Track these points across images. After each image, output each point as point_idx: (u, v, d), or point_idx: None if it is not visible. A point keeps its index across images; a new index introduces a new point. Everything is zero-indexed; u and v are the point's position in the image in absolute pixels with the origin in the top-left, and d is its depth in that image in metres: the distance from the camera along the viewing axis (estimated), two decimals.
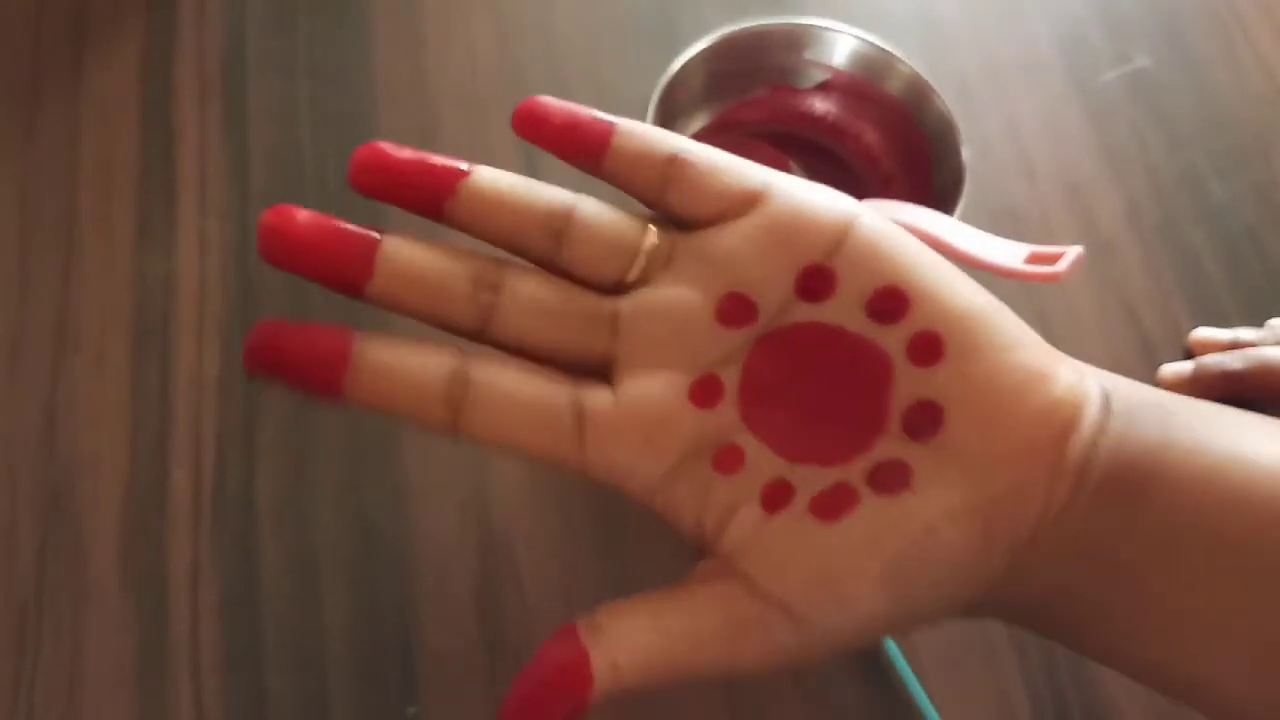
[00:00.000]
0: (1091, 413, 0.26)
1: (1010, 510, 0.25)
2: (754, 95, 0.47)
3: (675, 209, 0.27)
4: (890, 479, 0.26)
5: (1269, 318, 0.47)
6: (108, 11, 0.51)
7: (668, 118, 0.44)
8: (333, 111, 0.50)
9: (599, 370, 0.27)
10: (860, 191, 0.46)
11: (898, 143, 0.46)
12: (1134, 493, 0.25)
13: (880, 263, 0.26)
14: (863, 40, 0.45)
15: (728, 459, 0.26)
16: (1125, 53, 0.53)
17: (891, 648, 0.39)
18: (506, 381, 0.26)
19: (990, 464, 0.25)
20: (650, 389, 0.26)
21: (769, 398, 0.27)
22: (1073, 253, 0.36)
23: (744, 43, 0.45)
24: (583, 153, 0.27)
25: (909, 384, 0.26)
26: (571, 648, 0.25)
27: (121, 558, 0.40)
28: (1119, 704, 0.40)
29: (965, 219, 0.40)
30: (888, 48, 0.45)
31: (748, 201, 0.27)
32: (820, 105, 0.47)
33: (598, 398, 0.26)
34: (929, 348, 0.26)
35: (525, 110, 0.28)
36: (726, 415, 0.27)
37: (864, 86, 0.46)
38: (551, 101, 0.28)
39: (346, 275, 0.26)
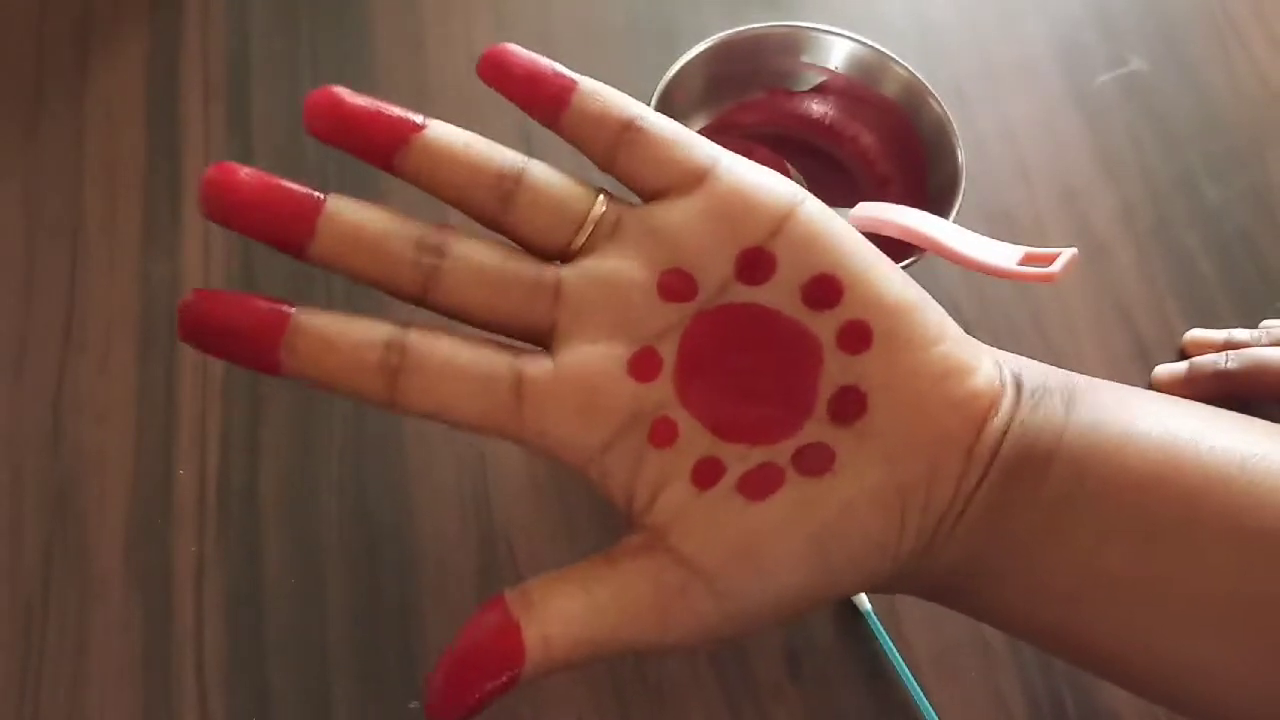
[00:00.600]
0: (1005, 403, 0.27)
1: (925, 493, 0.27)
2: (751, 98, 0.47)
3: (624, 175, 0.28)
4: (815, 461, 0.27)
5: (1263, 319, 0.47)
6: (111, 12, 0.52)
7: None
8: None
9: (540, 339, 0.27)
10: (857, 193, 0.46)
11: (894, 145, 0.46)
12: (1035, 468, 0.27)
13: (818, 250, 0.27)
14: (859, 43, 0.45)
15: (662, 432, 0.27)
16: (1120, 55, 0.54)
17: (891, 648, 0.40)
18: (443, 349, 0.26)
19: (908, 449, 0.27)
20: (589, 358, 0.27)
21: (704, 374, 0.27)
22: (1067, 254, 0.36)
23: (742, 46, 0.45)
24: (542, 104, 0.28)
25: (837, 370, 0.27)
26: (502, 620, 0.26)
27: (126, 555, 0.41)
28: (1115, 704, 0.40)
29: (961, 221, 0.41)
30: (884, 50, 0.45)
31: (695, 177, 0.27)
32: (817, 108, 0.47)
33: (537, 365, 0.27)
34: (858, 336, 0.27)
35: (492, 56, 0.28)
36: (663, 389, 0.27)
37: (860, 89, 0.46)
38: (518, 51, 0.28)
39: (288, 234, 0.26)
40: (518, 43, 0.51)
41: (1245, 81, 0.54)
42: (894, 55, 0.45)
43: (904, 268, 0.40)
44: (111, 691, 0.39)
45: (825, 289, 0.27)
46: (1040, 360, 0.45)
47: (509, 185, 0.27)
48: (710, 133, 0.47)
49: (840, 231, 0.27)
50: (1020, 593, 0.28)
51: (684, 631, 0.26)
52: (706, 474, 0.27)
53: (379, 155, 0.27)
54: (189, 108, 0.49)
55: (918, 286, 0.28)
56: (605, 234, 0.28)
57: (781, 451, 0.27)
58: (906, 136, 0.45)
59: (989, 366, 0.28)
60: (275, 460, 0.42)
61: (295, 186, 0.26)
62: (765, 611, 0.27)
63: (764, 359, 0.27)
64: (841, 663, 0.40)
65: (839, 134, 0.47)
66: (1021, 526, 0.27)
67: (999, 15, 0.55)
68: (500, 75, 0.28)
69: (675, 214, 0.27)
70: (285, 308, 0.26)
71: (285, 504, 0.42)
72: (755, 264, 0.27)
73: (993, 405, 0.27)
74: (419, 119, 0.27)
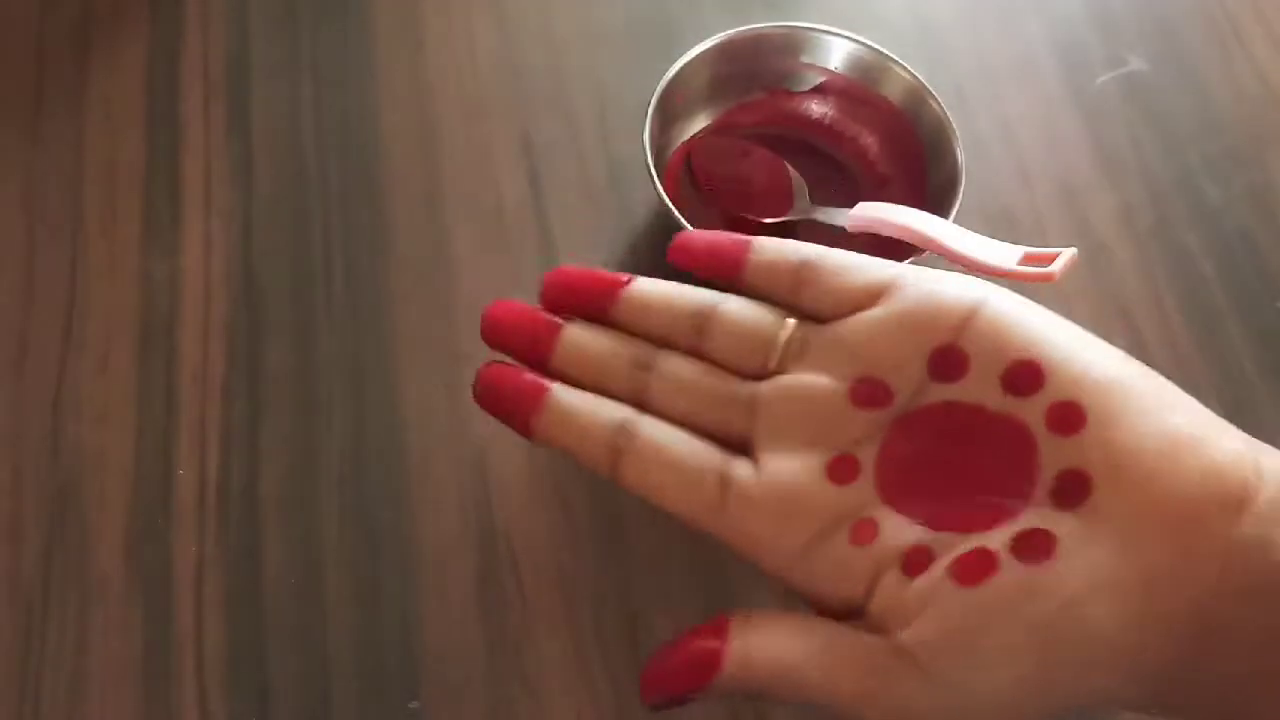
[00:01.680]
0: (1271, 489, 0.24)
1: (1169, 584, 0.24)
2: (751, 98, 0.47)
3: (809, 308, 0.30)
4: (1033, 547, 0.25)
5: (1262, 320, 0.47)
6: (111, 13, 0.52)
7: (666, 120, 0.45)
8: (335, 112, 0.50)
9: (743, 449, 0.29)
10: (856, 193, 0.46)
11: (893, 145, 0.46)
12: None
13: (1010, 338, 0.27)
14: (859, 44, 0.45)
15: (863, 531, 0.27)
16: (1120, 56, 0.54)
17: None
18: (664, 438, 0.29)
19: (1144, 533, 0.24)
20: (787, 468, 0.28)
21: (907, 474, 0.28)
22: (1067, 254, 0.36)
23: (742, 46, 0.45)
24: (724, 270, 0.31)
25: (1053, 454, 0.26)
26: (717, 633, 0.27)
27: (127, 556, 0.41)
28: (1118, 711, 0.40)
29: (960, 221, 0.41)
30: (884, 51, 0.45)
31: (877, 293, 0.29)
32: (817, 108, 0.47)
33: (742, 469, 0.28)
34: (1068, 416, 0.26)
35: (677, 246, 0.32)
36: (863, 491, 0.28)
37: (860, 90, 0.46)
38: (696, 234, 0.32)
39: (535, 353, 0.31)
40: (518, 46, 0.52)
41: (1245, 81, 0.54)
42: (894, 56, 0.45)
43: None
44: (111, 691, 0.39)
45: (1025, 374, 0.26)
46: None
47: (703, 319, 0.30)
48: (711, 133, 0.47)
49: (1033, 318, 0.27)
50: None
51: (886, 712, 0.26)
52: (916, 561, 0.26)
53: (597, 312, 0.31)
54: (189, 108, 0.49)
55: (1139, 363, 0.27)
56: (796, 354, 0.29)
57: (998, 538, 0.26)
58: (906, 137, 0.45)
59: (1237, 444, 0.25)
60: (275, 460, 0.43)
61: (544, 316, 0.32)
62: (980, 709, 0.25)
63: (972, 451, 0.27)
64: None
65: (839, 134, 0.47)
66: None
67: (998, 15, 0.55)
68: (687, 257, 0.32)
69: (860, 326, 0.29)
70: (545, 383, 0.30)
71: (285, 504, 0.42)
72: (948, 362, 0.27)
73: (1245, 486, 0.24)
74: (625, 278, 0.31)
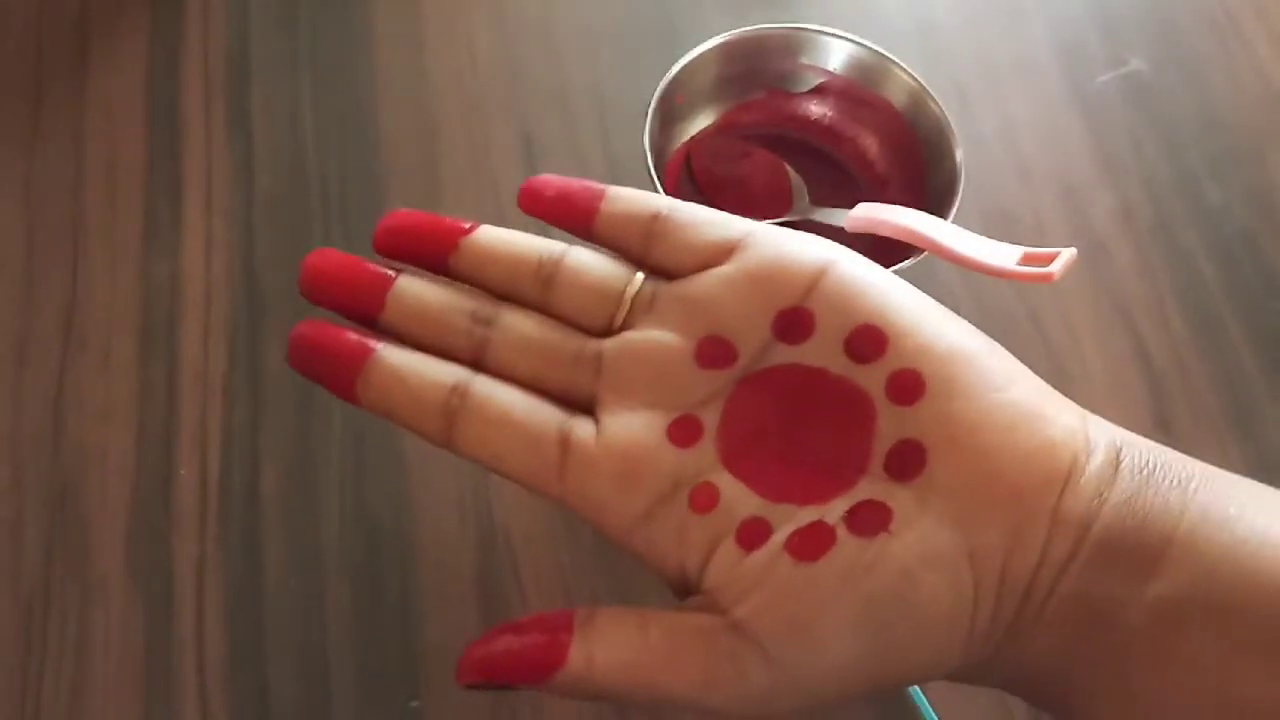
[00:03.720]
0: (1096, 462, 0.25)
1: (1001, 559, 0.24)
2: (751, 99, 0.47)
3: (659, 263, 0.28)
4: (868, 520, 0.25)
5: (1263, 320, 0.47)
6: (111, 12, 0.52)
7: (666, 121, 0.45)
8: (335, 112, 0.50)
9: (585, 408, 0.28)
10: (855, 194, 0.46)
11: (893, 146, 0.46)
12: (1145, 557, 0.24)
13: (857, 302, 0.26)
14: (859, 44, 0.45)
15: (703, 497, 0.26)
16: (1120, 55, 0.54)
17: None
18: (501, 399, 0.27)
19: (977, 507, 0.24)
20: (629, 426, 0.27)
21: (749, 438, 0.27)
22: (1066, 254, 0.36)
23: (742, 47, 0.45)
24: (574, 219, 0.29)
25: (891, 424, 0.26)
26: (563, 624, 0.26)
27: (127, 555, 0.41)
28: None
29: (960, 221, 0.41)
30: (883, 52, 0.45)
31: (725, 250, 0.28)
32: (816, 109, 0.47)
33: (583, 429, 0.27)
34: (909, 386, 0.26)
35: (526, 189, 0.30)
36: (704, 455, 0.27)
37: (859, 90, 0.46)
38: (549, 178, 0.30)
39: (362, 308, 0.29)
40: (518, 46, 0.52)
41: (1246, 81, 0.53)
42: (893, 57, 0.45)
43: (903, 268, 0.40)
44: (112, 691, 0.39)
45: (868, 340, 0.26)
46: (1040, 360, 0.45)
47: (549, 270, 0.28)
48: (711, 133, 0.47)
49: (880, 282, 0.27)
50: (1123, 708, 0.25)
51: (729, 697, 0.25)
52: (752, 535, 0.26)
53: (435, 260, 0.29)
54: (189, 107, 0.49)
55: (983, 336, 0.27)
56: (644, 309, 0.28)
57: (833, 510, 0.25)
58: (905, 137, 0.45)
59: (1070, 419, 0.26)
60: (276, 460, 0.43)
61: (371, 265, 0.29)
62: (819, 685, 0.25)
63: (813, 417, 0.27)
64: None
65: (838, 135, 0.47)
66: (1128, 624, 0.24)
67: (999, 15, 0.55)
68: (536, 202, 0.30)
69: (708, 283, 0.27)
70: (372, 343, 0.28)
71: (286, 504, 0.42)
72: (793, 323, 0.27)
73: (1075, 461, 0.25)
74: (467, 224, 0.29)
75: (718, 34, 0.45)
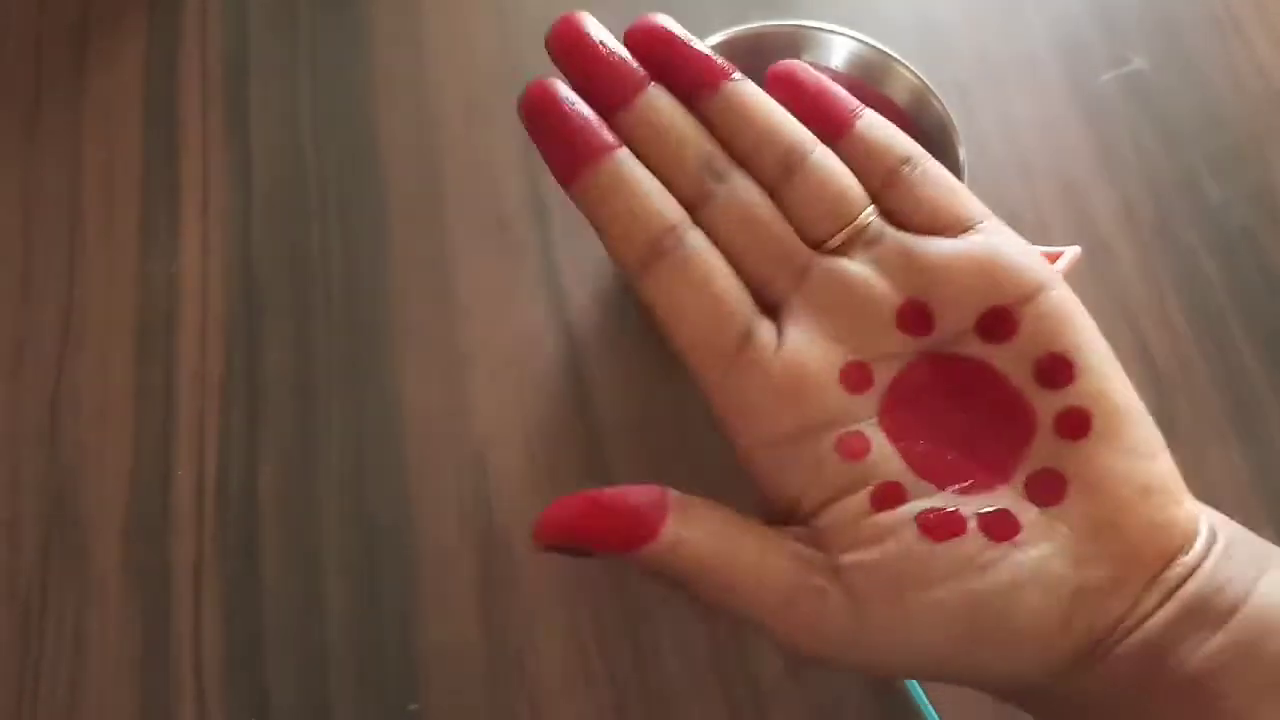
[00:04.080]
0: (1200, 543, 0.26)
1: (1096, 604, 0.25)
2: None
3: (891, 208, 0.28)
4: (1000, 526, 0.26)
5: (1265, 319, 0.47)
6: (109, 13, 0.51)
7: None
8: (334, 112, 0.50)
9: (770, 309, 0.27)
10: None
11: None
12: (1214, 617, 0.25)
13: (1063, 329, 0.27)
14: (860, 42, 0.45)
15: (852, 445, 0.26)
16: (1122, 54, 0.54)
17: None
18: (712, 264, 0.27)
19: (1096, 552, 0.26)
20: (809, 352, 0.27)
21: (913, 409, 0.27)
22: (1070, 253, 0.36)
23: (743, 45, 0.45)
24: (827, 123, 0.28)
25: (1046, 449, 0.27)
26: (659, 500, 0.26)
27: (124, 556, 0.41)
28: None
29: None
30: (885, 49, 0.45)
31: (963, 226, 0.28)
32: None
33: (767, 333, 0.27)
34: (1077, 423, 0.26)
35: (784, 74, 0.29)
36: (866, 406, 0.27)
37: (861, 89, 0.46)
38: (810, 71, 0.29)
39: (609, 96, 0.27)
40: (518, 42, 0.52)
41: (1248, 79, 0.53)
42: (895, 54, 0.45)
43: None
44: (109, 692, 0.38)
45: (1058, 369, 0.27)
46: None
47: (795, 160, 0.27)
48: None
49: (1086, 322, 0.27)
50: None
51: (799, 630, 0.25)
52: (887, 497, 0.26)
53: (691, 90, 0.28)
54: (187, 108, 0.49)
55: (1139, 401, 0.27)
56: (865, 243, 0.27)
57: (969, 505, 0.26)
58: (908, 135, 0.45)
59: (1191, 504, 0.27)
60: (274, 460, 0.42)
61: (634, 63, 0.27)
62: (891, 655, 0.26)
63: (979, 416, 0.27)
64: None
65: None
66: (1182, 671, 0.25)
67: (1000, 14, 0.55)
68: (791, 90, 0.29)
69: (936, 249, 0.27)
70: (615, 141, 0.27)
71: (284, 504, 0.42)
72: (999, 323, 0.27)
73: (1186, 540, 0.26)
74: (732, 70, 0.28)
75: (718, 32, 0.45)
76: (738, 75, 0.28)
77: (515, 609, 0.40)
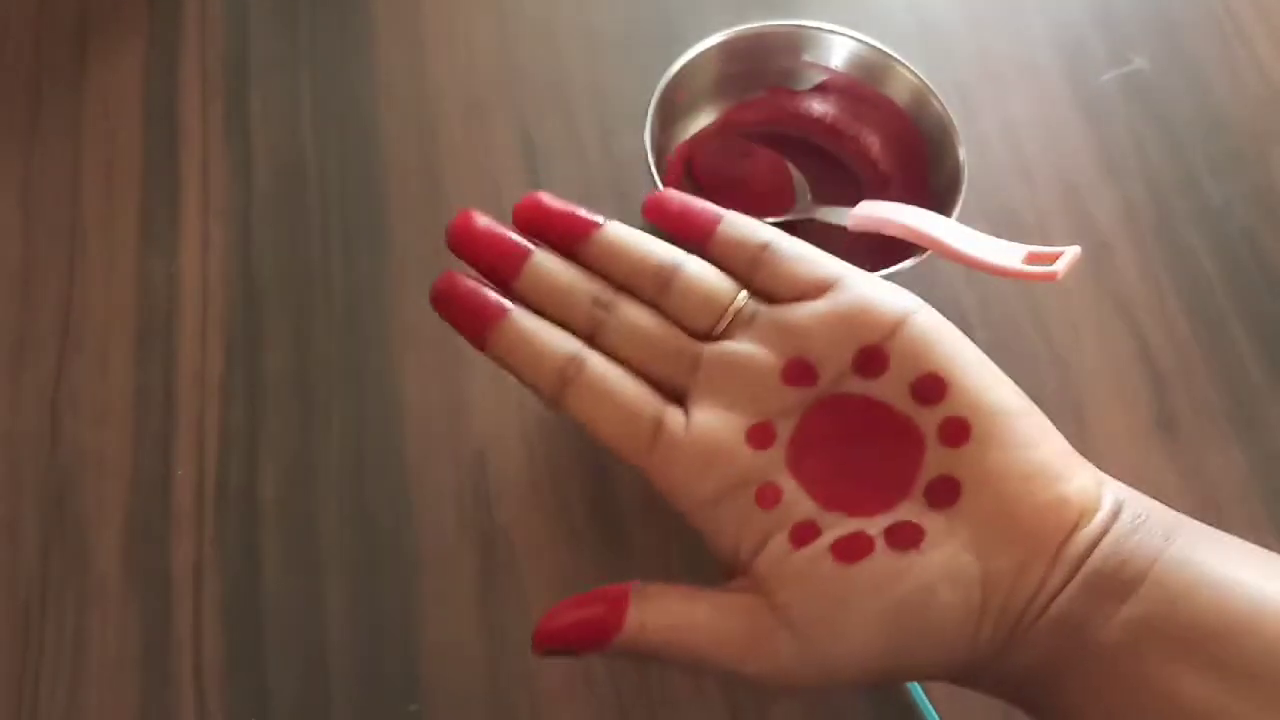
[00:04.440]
0: (1100, 516, 0.29)
1: (1006, 587, 0.28)
2: (753, 97, 0.47)
3: (760, 288, 0.32)
4: (904, 537, 0.29)
5: (1265, 319, 0.47)
6: (110, 12, 0.51)
7: (667, 119, 0.44)
8: (334, 112, 0.50)
9: (678, 399, 0.32)
10: (858, 193, 0.46)
11: (895, 144, 0.46)
12: (1122, 587, 0.28)
13: (929, 351, 0.30)
14: (861, 42, 0.45)
15: (768, 495, 0.30)
16: (1122, 54, 0.54)
17: None
18: (611, 376, 0.31)
19: (995, 541, 0.29)
20: (715, 424, 0.31)
21: (814, 451, 0.31)
22: (1070, 253, 0.36)
23: (743, 45, 0.45)
24: (693, 235, 0.33)
25: (936, 460, 0.30)
26: (620, 597, 0.30)
27: (124, 556, 0.41)
28: None
29: (963, 220, 0.41)
30: (886, 49, 0.45)
31: (822, 287, 0.31)
32: (818, 107, 0.47)
33: (675, 418, 0.31)
34: (958, 431, 0.30)
35: (652, 202, 0.34)
36: (774, 458, 0.31)
37: (862, 88, 0.46)
38: (672, 194, 0.33)
39: (500, 272, 0.32)
40: (518, 46, 0.52)
41: (1248, 80, 0.53)
42: (896, 55, 0.45)
43: (905, 267, 0.40)
44: (109, 692, 0.38)
45: (931, 387, 0.30)
46: (1043, 360, 0.45)
47: (666, 274, 0.32)
48: (713, 132, 0.47)
49: (950, 338, 0.31)
50: (1090, 698, 0.28)
51: (761, 668, 0.29)
52: (804, 534, 0.30)
53: (566, 245, 0.33)
54: (187, 107, 0.49)
55: (1025, 398, 0.30)
56: (743, 323, 0.32)
57: (875, 524, 0.29)
58: (908, 135, 0.45)
59: (1086, 480, 0.29)
60: (274, 460, 0.42)
61: (515, 237, 0.32)
62: (839, 668, 0.29)
63: (871, 443, 0.31)
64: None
65: (840, 133, 0.47)
66: (1099, 642, 0.28)
67: (1001, 14, 0.55)
68: (661, 214, 0.33)
69: (804, 314, 0.31)
70: (507, 304, 0.32)
71: (284, 504, 0.42)
72: (871, 360, 0.30)
73: (1083, 514, 0.29)
74: (599, 219, 0.33)
75: (718, 32, 0.45)
76: (604, 221, 0.33)
77: (515, 609, 0.40)
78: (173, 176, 0.48)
